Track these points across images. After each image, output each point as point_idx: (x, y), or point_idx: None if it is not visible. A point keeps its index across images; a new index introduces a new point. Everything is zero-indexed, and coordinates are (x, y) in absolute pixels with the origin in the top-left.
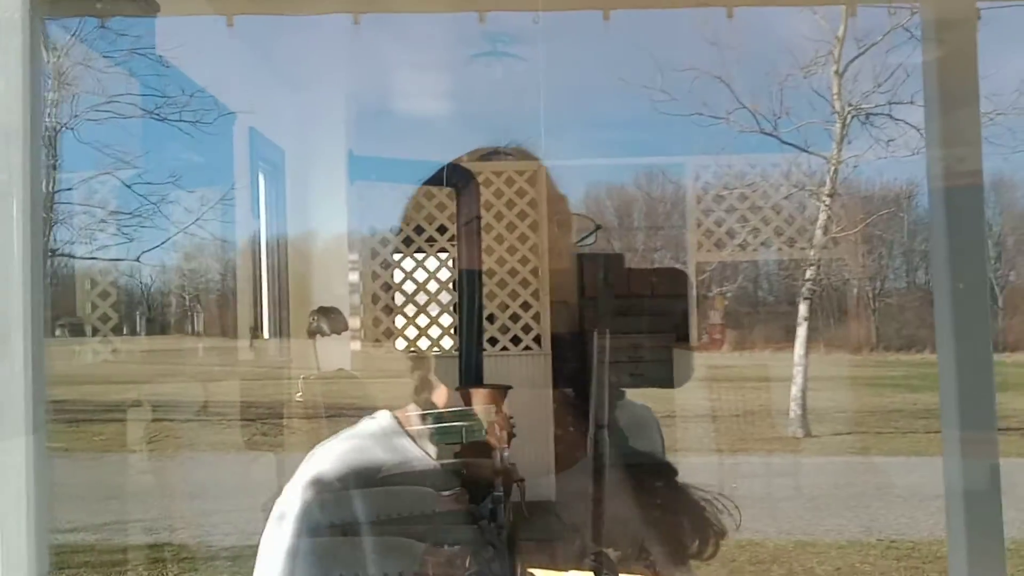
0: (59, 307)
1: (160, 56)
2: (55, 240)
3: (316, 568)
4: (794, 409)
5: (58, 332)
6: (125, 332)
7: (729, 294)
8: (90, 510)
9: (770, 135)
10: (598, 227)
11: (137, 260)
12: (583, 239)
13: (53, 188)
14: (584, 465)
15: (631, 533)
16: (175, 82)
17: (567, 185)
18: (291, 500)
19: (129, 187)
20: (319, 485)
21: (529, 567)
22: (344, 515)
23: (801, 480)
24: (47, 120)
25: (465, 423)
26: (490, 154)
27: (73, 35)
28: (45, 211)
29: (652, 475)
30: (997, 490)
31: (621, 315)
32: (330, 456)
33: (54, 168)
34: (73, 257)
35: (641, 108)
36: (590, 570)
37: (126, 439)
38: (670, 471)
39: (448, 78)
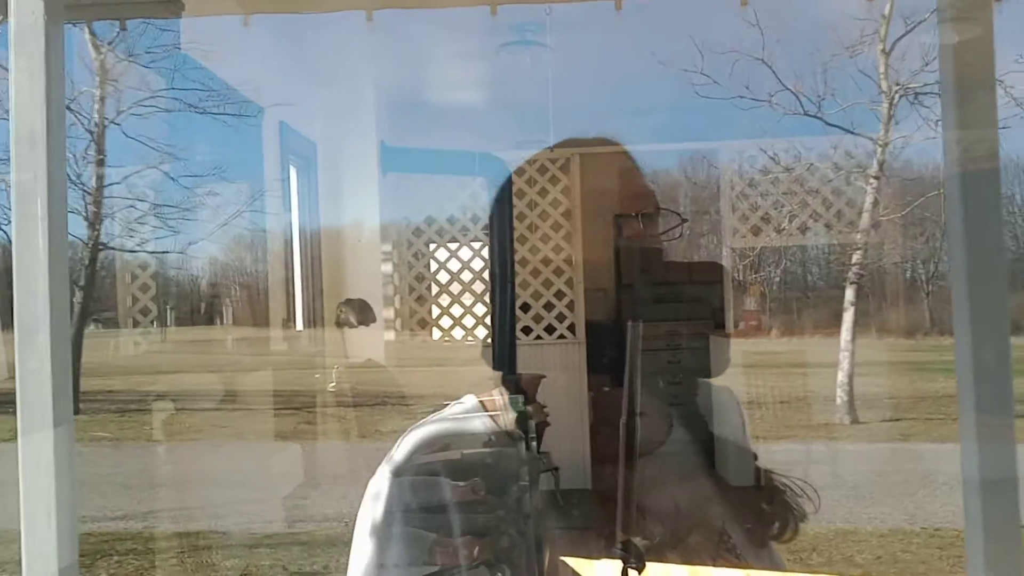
0: (105, 300)
1: (194, 54)
2: (104, 234)
3: (405, 547)
4: (841, 395)
5: (98, 326)
6: (168, 324)
7: (776, 279)
8: (137, 498)
9: (815, 117)
10: (684, 220)
11: (181, 253)
12: (668, 231)
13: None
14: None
15: (710, 517)
16: (210, 79)
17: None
18: (382, 480)
19: (174, 179)
20: (404, 467)
21: (561, 556)
22: (429, 497)
23: (844, 467)
24: (93, 116)
25: (489, 414)
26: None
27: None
28: (95, 205)
29: (733, 458)
30: (1014, 477)
31: (658, 303)
32: (415, 438)
33: (100, 163)
34: (117, 250)
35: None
36: (619, 559)
37: (172, 428)
38: (750, 455)
39: (477, 68)
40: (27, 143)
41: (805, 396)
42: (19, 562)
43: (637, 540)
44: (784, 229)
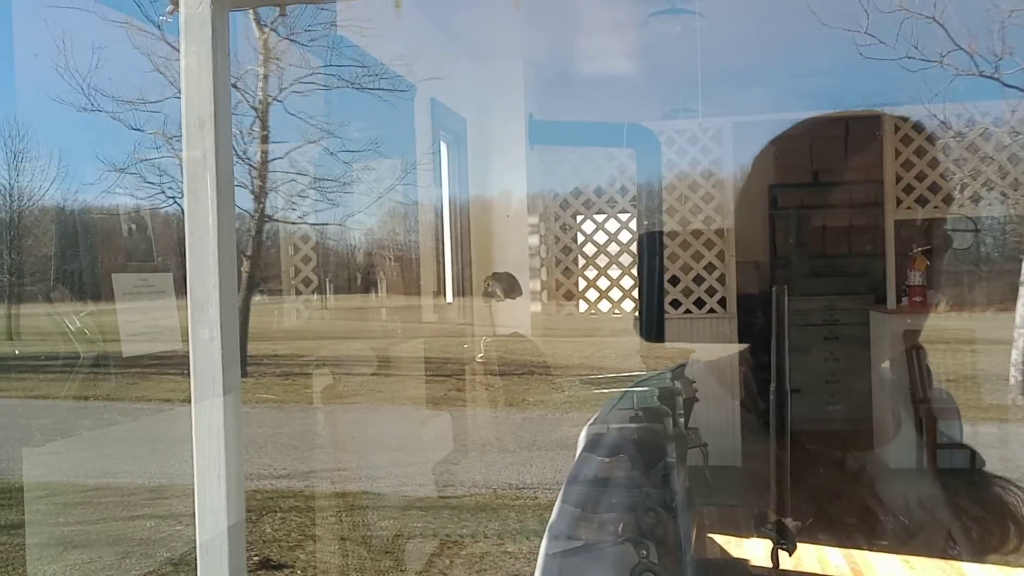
0: (269, 269)
1: (350, 33)
2: (268, 207)
3: (556, 519)
4: (1015, 375)
5: (265, 295)
6: (328, 292)
7: (945, 251)
8: (298, 458)
9: (991, 78)
10: (977, 230)
11: (341, 225)
12: (956, 240)
13: (263, 158)
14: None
15: (938, 519)
16: (364, 57)
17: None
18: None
19: (333, 154)
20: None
21: (709, 533)
22: (578, 472)
23: (1018, 451)
24: (257, 94)
25: (637, 390)
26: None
27: (278, 15)
28: (260, 179)
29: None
30: None
31: (815, 276)
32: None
33: (264, 140)
34: (281, 222)
35: (845, 53)
36: (768, 539)
37: (330, 392)
38: (975, 460)
39: (626, 38)
40: (196, 124)
41: (975, 375)
42: (193, 515)
43: (788, 521)
44: (954, 199)
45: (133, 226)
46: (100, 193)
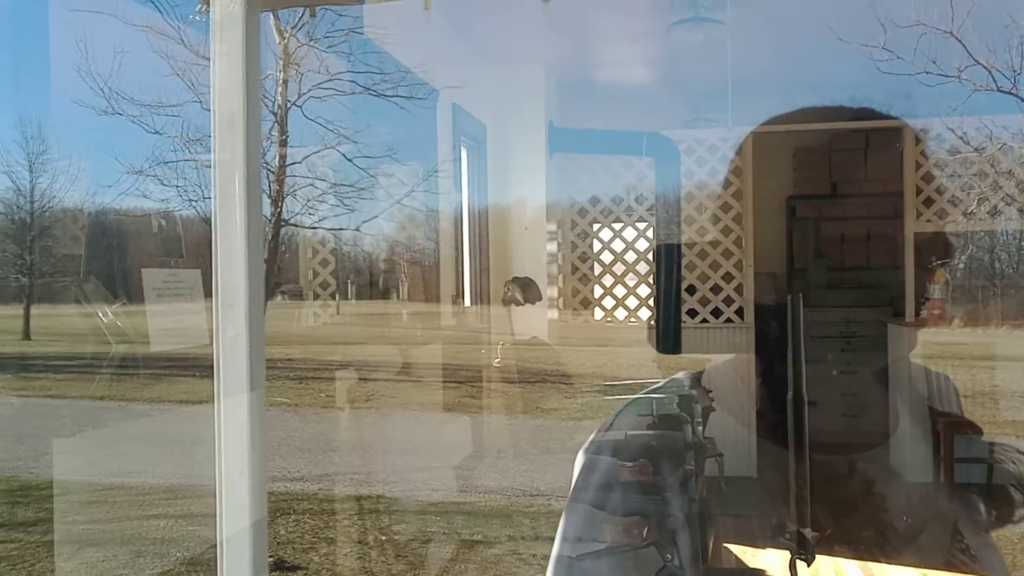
0: (286, 273)
1: (372, 37)
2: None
3: (578, 522)
4: None
5: (280, 297)
6: (344, 297)
7: (960, 266)
8: (313, 461)
9: (1009, 93)
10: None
11: (356, 230)
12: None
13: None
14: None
15: (942, 514)
16: (386, 62)
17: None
18: (579, 454)
19: (350, 160)
20: (591, 444)
21: (725, 543)
22: (602, 476)
23: None
24: (278, 99)
25: (656, 396)
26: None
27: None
28: (278, 184)
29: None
30: None
31: (832, 287)
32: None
33: (283, 144)
34: (298, 226)
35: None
36: (786, 549)
37: (344, 396)
38: (992, 474)
39: (647, 47)
40: (227, 125)
41: (991, 391)
42: (212, 515)
43: (807, 531)
44: (973, 212)
45: (163, 222)
46: (118, 195)
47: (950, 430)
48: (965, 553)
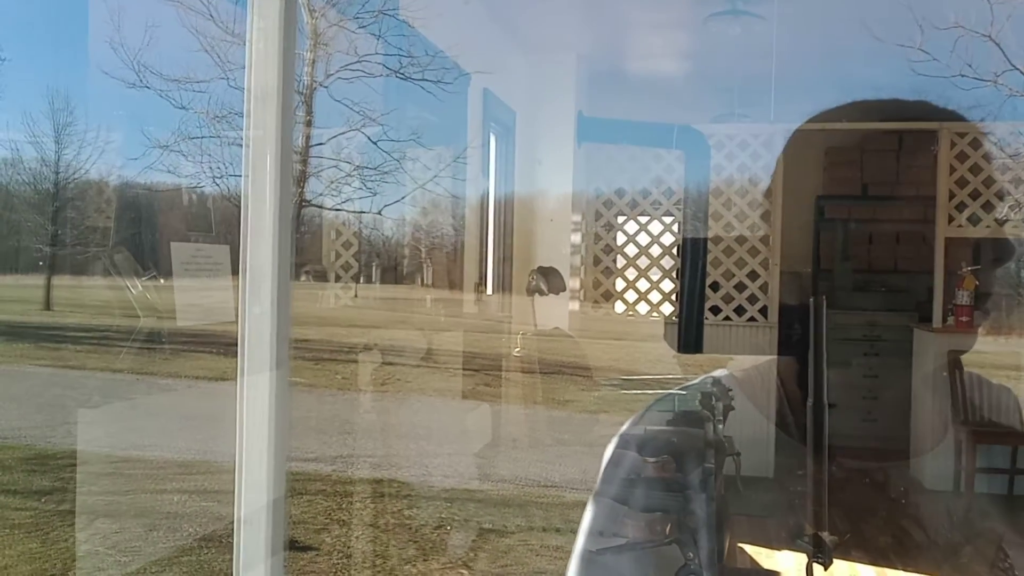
0: (308, 254)
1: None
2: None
3: (601, 516)
4: None
5: (304, 277)
6: (364, 280)
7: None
8: (327, 442)
9: None
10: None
11: (379, 214)
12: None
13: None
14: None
15: (987, 531)
16: (416, 44)
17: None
18: (608, 448)
19: (375, 143)
20: (621, 438)
21: (740, 543)
22: (626, 471)
23: None
24: (305, 79)
25: (680, 393)
26: None
27: None
28: (302, 164)
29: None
30: None
31: (858, 290)
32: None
33: (308, 124)
34: (322, 208)
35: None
36: (803, 552)
37: (361, 379)
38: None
39: (683, 38)
40: (260, 101)
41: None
42: (223, 492)
43: (824, 535)
44: (1008, 219)
45: (193, 196)
46: (143, 169)
47: (971, 440)
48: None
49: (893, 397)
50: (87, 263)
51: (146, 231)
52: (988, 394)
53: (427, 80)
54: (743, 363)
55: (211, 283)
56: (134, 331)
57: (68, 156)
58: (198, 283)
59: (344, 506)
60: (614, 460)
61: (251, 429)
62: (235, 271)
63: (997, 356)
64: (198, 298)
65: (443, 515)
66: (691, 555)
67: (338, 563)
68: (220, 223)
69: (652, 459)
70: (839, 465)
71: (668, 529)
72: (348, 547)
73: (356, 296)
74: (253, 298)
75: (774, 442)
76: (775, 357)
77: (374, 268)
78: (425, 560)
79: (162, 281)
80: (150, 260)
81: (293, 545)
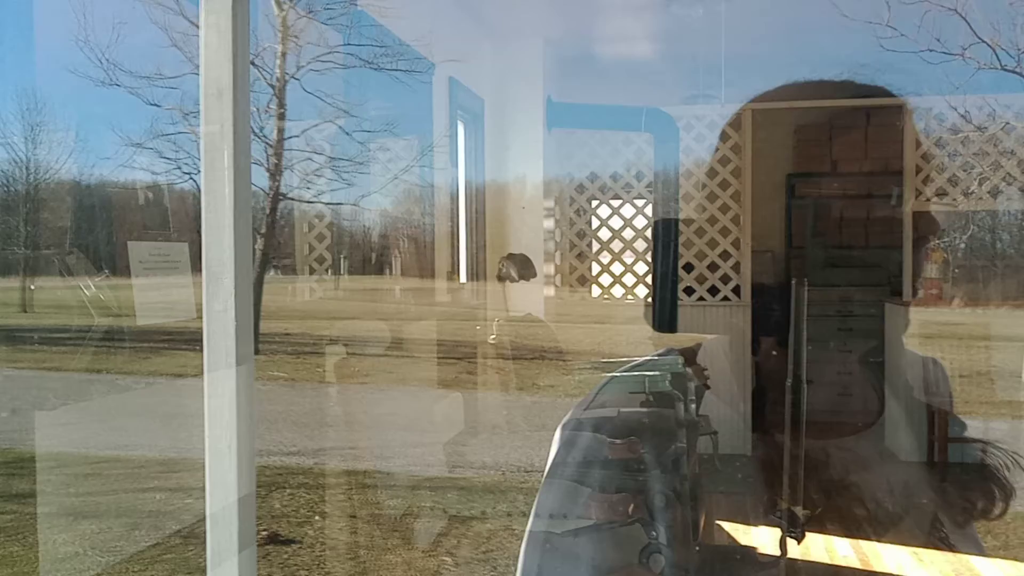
0: (283, 248)
1: (371, 10)
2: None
3: (562, 498)
4: None
5: (280, 271)
6: (340, 272)
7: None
8: (308, 435)
9: (1013, 72)
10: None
11: (354, 205)
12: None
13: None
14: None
15: (923, 501)
16: (384, 35)
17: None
18: (557, 431)
19: (348, 134)
20: (572, 420)
21: (717, 520)
22: (588, 453)
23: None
24: (275, 71)
25: (649, 373)
26: None
27: None
28: (276, 157)
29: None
30: None
31: (831, 266)
32: (596, 392)
33: (281, 118)
34: (295, 200)
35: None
36: (777, 527)
37: (341, 371)
38: (959, 427)
39: (646, 21)
40: (215, 96)
41: (988, 371)
42: (203, 488)
43: (798, 509)
44: (973, 193)
45: (150, 195)
46: (116, 167)
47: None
48: (944, 542)
49: (867, 371)
50: (52, 265)
51: (105, 230)
52: (919, 368)
53: (397, 70)
54: (720, 340)
55: (171, 281)
56: (96, 331)
57: (39, 157)
58: (157, 282)
59: (327, 498)
60: (569, 441)
61: (215, 427)
62: (196, 268)
63: (975, 327)
64: (158, 296)
65: (425, 504)
66: (654, 534)
67: (321, 555)
68: (195, 220)
69: (617, 440)
70: (814, 440)
71: (632, 509)
72: (331, 539)
73: (337, 287)
74: (213, 295)
75: (751, 420)
76: (748, 334)
77: (352, 259)
78: (408, 549)
79: (121, 280)
80: (107, 260)
81: (276, 539)
